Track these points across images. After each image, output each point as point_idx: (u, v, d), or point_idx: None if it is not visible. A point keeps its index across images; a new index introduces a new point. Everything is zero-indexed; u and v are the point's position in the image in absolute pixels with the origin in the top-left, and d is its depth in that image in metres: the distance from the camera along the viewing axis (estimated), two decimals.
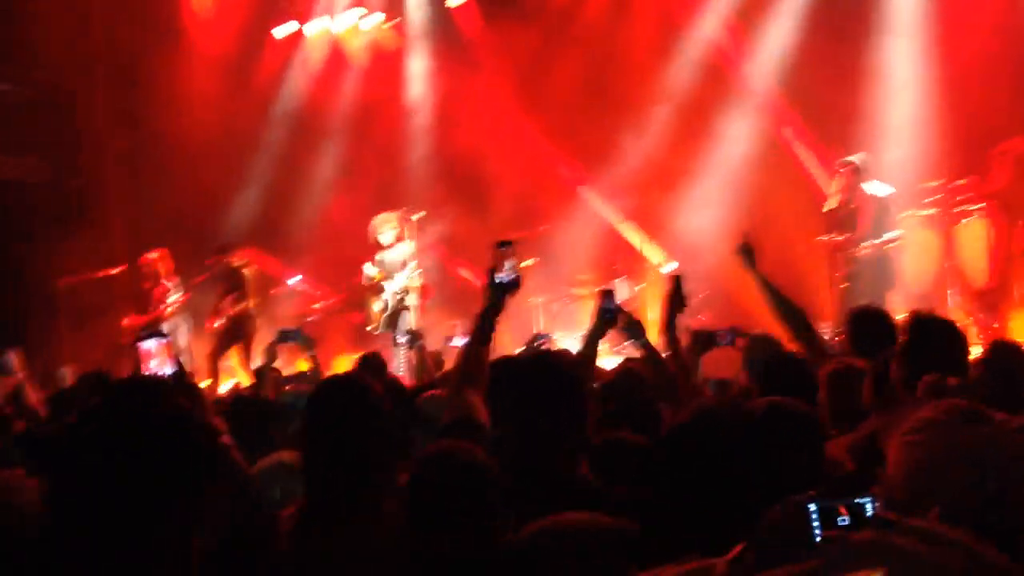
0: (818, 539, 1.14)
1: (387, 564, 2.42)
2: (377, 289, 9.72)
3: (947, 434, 1.55)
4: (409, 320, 9.39)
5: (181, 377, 2.66)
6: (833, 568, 0.73)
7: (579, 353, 3.89)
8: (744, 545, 0.74)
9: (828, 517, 1.18)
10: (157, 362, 2.59)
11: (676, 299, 4.04)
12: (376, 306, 9.79)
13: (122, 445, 1.41)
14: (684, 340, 4.67)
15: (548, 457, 2.79)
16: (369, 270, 9.73)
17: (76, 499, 1.42)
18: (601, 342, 4.01)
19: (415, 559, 2.16)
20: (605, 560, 1.60)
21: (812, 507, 1.19)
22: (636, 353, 4.15)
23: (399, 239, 9.63)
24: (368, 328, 9.89)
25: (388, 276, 9.62)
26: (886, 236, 8.73)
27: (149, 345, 2.58)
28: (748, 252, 4.56)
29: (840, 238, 8.91)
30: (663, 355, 3.96)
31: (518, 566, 2.16)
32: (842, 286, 8.88)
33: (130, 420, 1.45)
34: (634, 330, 3.95)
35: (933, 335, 3.25)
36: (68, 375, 7.00)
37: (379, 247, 9.72)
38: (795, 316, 4.47)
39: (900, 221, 9.06)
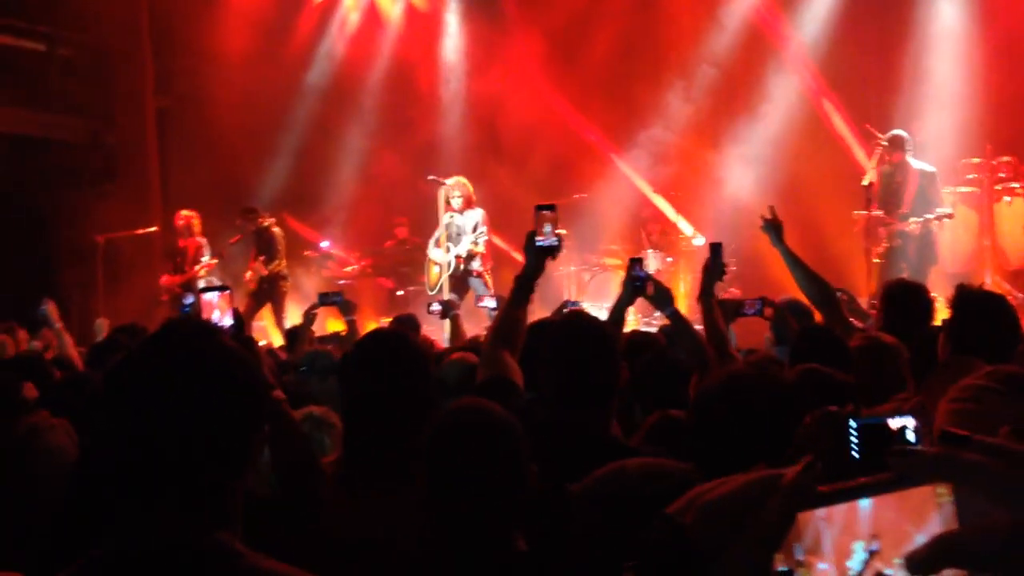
0: (856, 455, 1.14)
1: (414, 521, 2.44)
2: (435, 256, 9.68)
3: (1000, 403, 1.53)
4: (476, 285, 9.36)
5: (240, 329, 2.66)
6: (901, 480, 0.73)
7: (607, 320, 3.90)
8: (812, 457, 0.75)
9: (867, 434, 1.18)
10: (218, 313, 2.60)
11: (715, 268, 4.06)
12: (435, 268, 9.75)
13: (172, 381, 1.40)
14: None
15: (581, 417, 2.82)
16: (435, 240, 9.66)
17: (122, 439, 1.41)
18: (631, 310, 4.04)
19: (438, 520, 2.16)
20: (672, 501, 1.61)
21: (852, 424, 1.18)
22: (666, 322, 4.16)
23: (468, 204, 9.49)
24: (429, 291, 9.83)
25: (454, 239, 9.55)
26: (938, 212, 8.57)
27: (210, 296, 2.59)
28: (775, 228, 4.55)
29: (879, 212, 8.79)
30: (696, 324, 3.97)
31: (588, 510, 2.18)
32: (880, 260, 8.75)
33: (181, 356, 1.43)
34: (662, 298, 3.96)
35: (979, 310, 3.20)
36: (104, 327, 7.09)
37: (448, 209, 9.61)
38: (821, 290, 4.44)
39: (945, 198, 8.91)
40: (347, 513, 2.55)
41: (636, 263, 3.94)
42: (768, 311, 4.61)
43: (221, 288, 2.56)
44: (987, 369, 1.63)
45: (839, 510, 0.75)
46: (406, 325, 5.31)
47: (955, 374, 1.94)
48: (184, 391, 1.39)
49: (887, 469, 0.73)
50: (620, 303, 3.97)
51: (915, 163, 8.71)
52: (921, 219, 8.54)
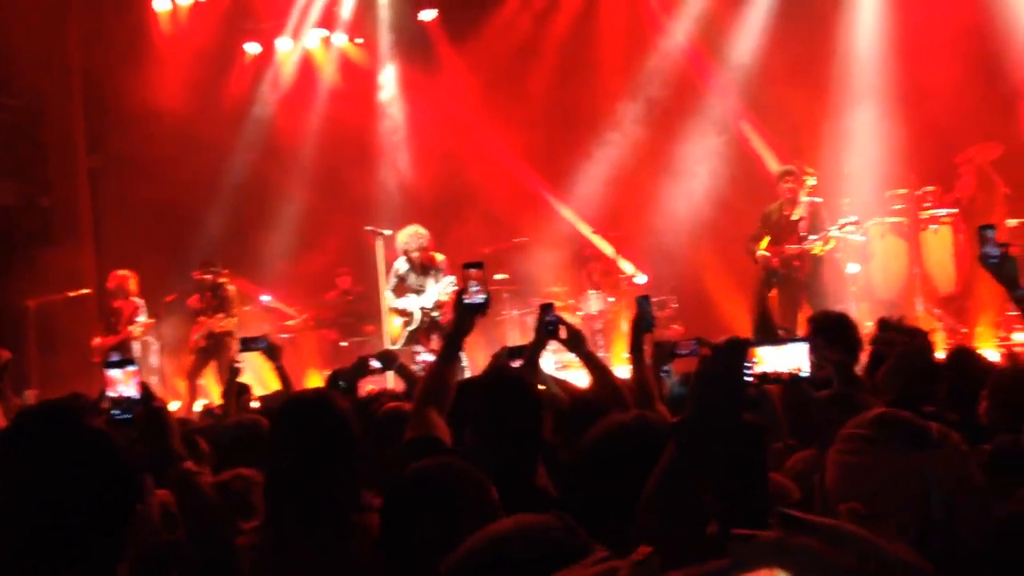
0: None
1: None
2: (401, 304, 9.40)
3: (875, 453, 1.52)
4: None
5: (148, 403, 2.64)
6: (738, 567, 0.74)
7: (521, 365, 3.96)
8: (651, 549, 0.75)
9: None
10: (123, 388, 2.57)
11: (642, 321, 4.12)
12: (398, 320, 9.52)
13: (23, 473, 1.37)
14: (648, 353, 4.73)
15: (507, 470, 2.82)
16: (396, 288, 9.40)
17: None
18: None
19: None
20: (531, 560, 1.61)
21: None
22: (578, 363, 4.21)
23: (428, 253, 9.21)
24: (391, 346, 9.53)
25: (416, 290, 9.34)
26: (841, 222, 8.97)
27: (115, 373, 2.56)
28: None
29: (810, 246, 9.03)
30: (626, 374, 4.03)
31: None
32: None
33: (33, 448, 1.40)
34: (575, 341, 4.02)
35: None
36: (30, 399, 6.91)
37: (408, 259, 9.25)
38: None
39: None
40: (273, 572, 2.53)
41: (547, 308, 4.00)
42: (704, 351, 4.63)
43: (125, 363, 2.53)
44: (875, 412, 1.63)
45: None
46: (341, 381, 5.24)
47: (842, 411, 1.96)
48: (32, 483, 1.37)
49: (725, 555, 0.74)
50: (533, 348, 4.03)
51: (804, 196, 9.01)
52: (817, 236, 8.86)
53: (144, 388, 2.50)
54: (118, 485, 1.43)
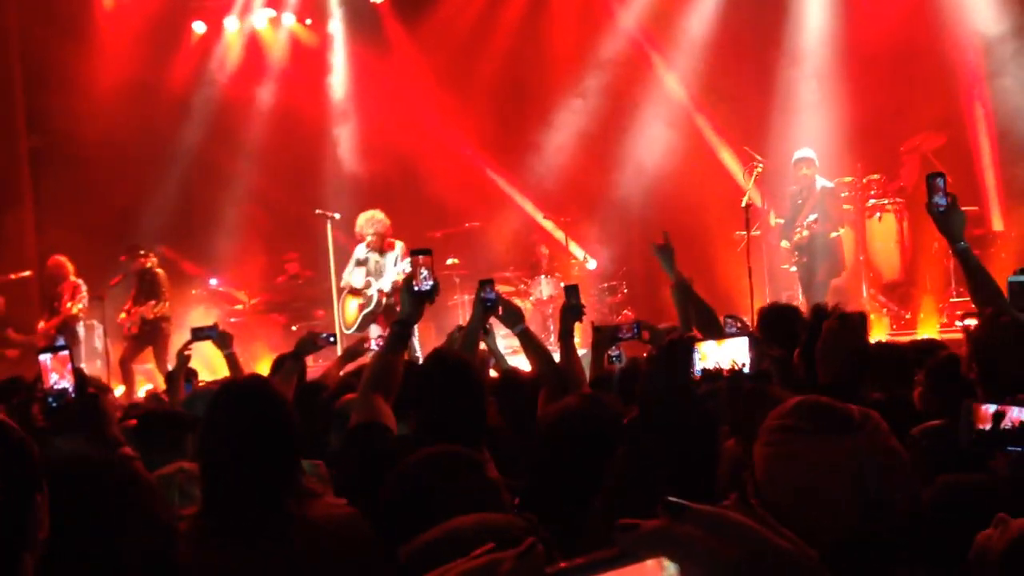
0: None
1: (290, 569, 2.40)
2: (357, 288, 9.33)
3: (814, 445, 1.53)
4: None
5: (81, 388, 2.58)
6: (623, 556, 0.74)
7: (460, 343, 3.97)
8: (534, 540, 0.75)
9: None
10: (57, 374, 2.51)
11: (571, 309, 4.18)
12: (353, 303, 9.46)
13: None
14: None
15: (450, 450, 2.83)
16: (355, 270, 9.35)
17: None
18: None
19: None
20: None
21: None
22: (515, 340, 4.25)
23: (384, 239, 9.17)
24: (346, 330, 9.45)
25: (374, 274, 9.25)
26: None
27: (45, 358, 2.50)
28: (666, 253, 4.64)
29: (757, 232, 9.15)
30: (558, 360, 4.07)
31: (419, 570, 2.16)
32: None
33: None
34: (512, 318, 4.07)
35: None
36: None
37: (370, 246, 9.21)
38: (707, 319, 4.54)
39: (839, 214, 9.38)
40: (203, 565, 2.50)
41: (485, 284, 4.00)
42: (645, 334, 4.68)
43: (57, 348, 2.47)
44: (794, 401, 1.64)
45: None
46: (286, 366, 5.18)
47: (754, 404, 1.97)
48: None
49: (612, 544, 0.74)
50: (472, 325, 4.05)
51: (819, 180, 9.14)
52: (804, 225, 9.01)
53: (78, 375, 2.44)
54: (17, 475, 1.41)
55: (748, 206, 9.05)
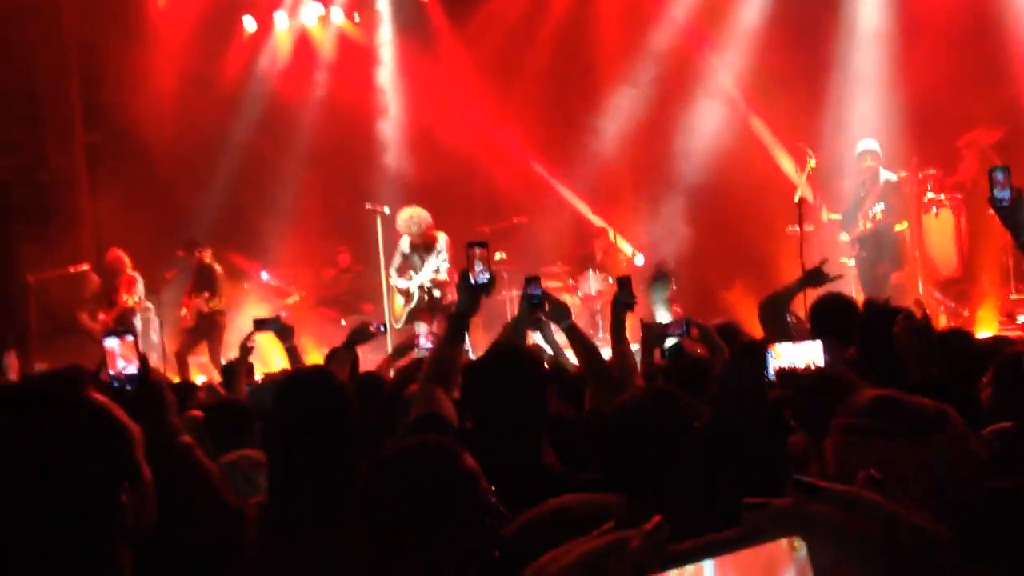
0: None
1: (352, 561, 2.42)
2: (400, 284, 9.42)
3: (889, 448, 1.49)
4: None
5: (145, 375, 2.61)
6: (753, 535, 0.74)
7: (503, 338, 3.96)
8: (659, 518, 0.75)
9: None
10: (122, 359, 2.55)
11: (622, 300, 4.13)
12: (400, 298, 9.52)
13: (16, 443, 1.38)
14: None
15: (514, 447, 2.83)
16: (398, 269, 9.38)
17: None
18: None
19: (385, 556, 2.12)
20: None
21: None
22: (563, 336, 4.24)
23: (428, 234, 9.19)
24: (395, 324, 9.54)
25: (417, 269, 9.30)
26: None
27: (112, 344, 2.54)
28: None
29: (810, 228, 9.02)
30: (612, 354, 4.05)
31: (518, 557, 2.16)
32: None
33: (35, 415, 1.41)
34: (558, 314, 4.02)
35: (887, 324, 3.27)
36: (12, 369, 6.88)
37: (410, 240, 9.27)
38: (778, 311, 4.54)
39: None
40: (274, 554, 2.53)
41: (531, 281, 3.94)
42: (694, 331, 4.65)
43: (123, 333, 2.50)
44: (867, 398, 1.60)
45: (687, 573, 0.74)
46: (341, 359, 5.24)
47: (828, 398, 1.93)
48: (31, 450, 1.37)
49: (739, 523, 0.73)
50: (518, 322, 4.02)
51: (882, 173, 9.01)
52: (868, 218, 8.87)
53: (143, 360, 2.47)
54: (116, 456, 1.42)
55: (801, 201, 8.93)
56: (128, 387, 2.50)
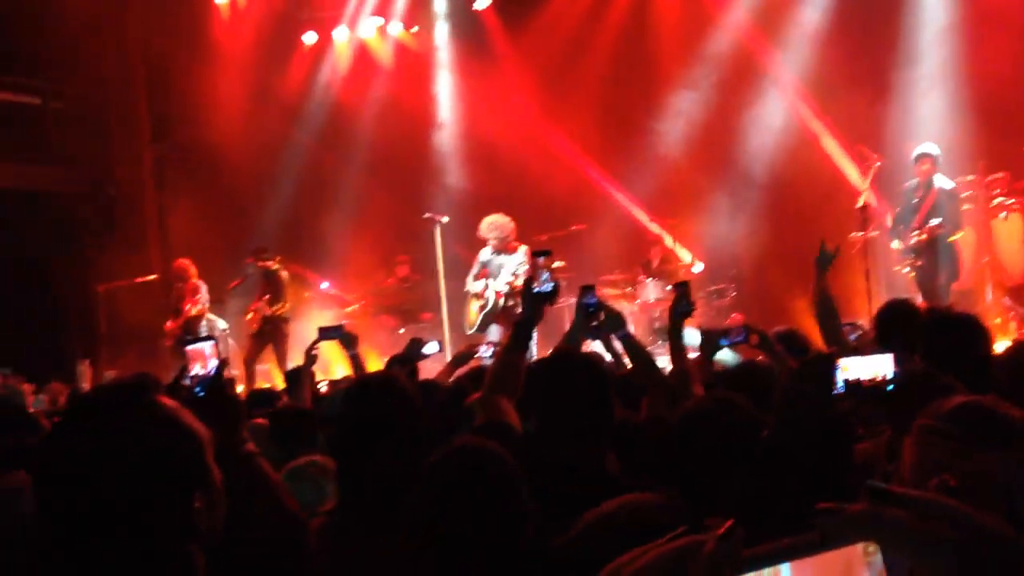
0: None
1: (410, 567, 2.43)
2: (476, 287, 9.50)
3: (969, 456, 1.46)
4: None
5: (218, 379, 2.64)
6: (827, 541, 0.73)
7: (561, 346, 3.96)
8: (733, 521, 0.74)
9: None
10: (200, 365, 2.59)
11: (681, 308, 4.11)
12: (475, 305, 9.57)
13: (89, 450, 1.40)
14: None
15: (576, 454, 2.82)
16: (476, 275, 9.45)
17: (53, 507, 1.42)
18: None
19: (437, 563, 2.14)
20: (638, 537, 1.59)
21: None
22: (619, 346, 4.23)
23: (507, 242, 9.24)
24: (468, 331, 9.64)
25: (493, 276, 9.36)
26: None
27: (198, 347, 2.58)
28: (827, 261, 4.64)
29: (875, 233, 8.84)
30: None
31: (578, 559, 2.17)
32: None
33: (106, 420, 1.43)
34: (613, 323, 4.01)
35: (951, 331, 3.21)
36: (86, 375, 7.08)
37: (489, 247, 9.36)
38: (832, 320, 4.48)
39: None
40: (342, 560, 2.55)
41: (587, 290, 3.94)
42: (753, 338, 4.60)
43: (205, 338, 2.56)
44: (953, 403, 1.56)
45: None
46: (402, 366, 5.29)
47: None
48: (100, 460, 1.39)
49: (814, 528, 0.73)
50: (573, 331, 4.02)
51: (937, 179, 8.81)
52: (923, 229, 8.65)
53: (220, 365, 2.51)
54: (188, 461, 1.44)
55: (864, 206, 8.79)
56: (199, 391, 2.53)
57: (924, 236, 8.79)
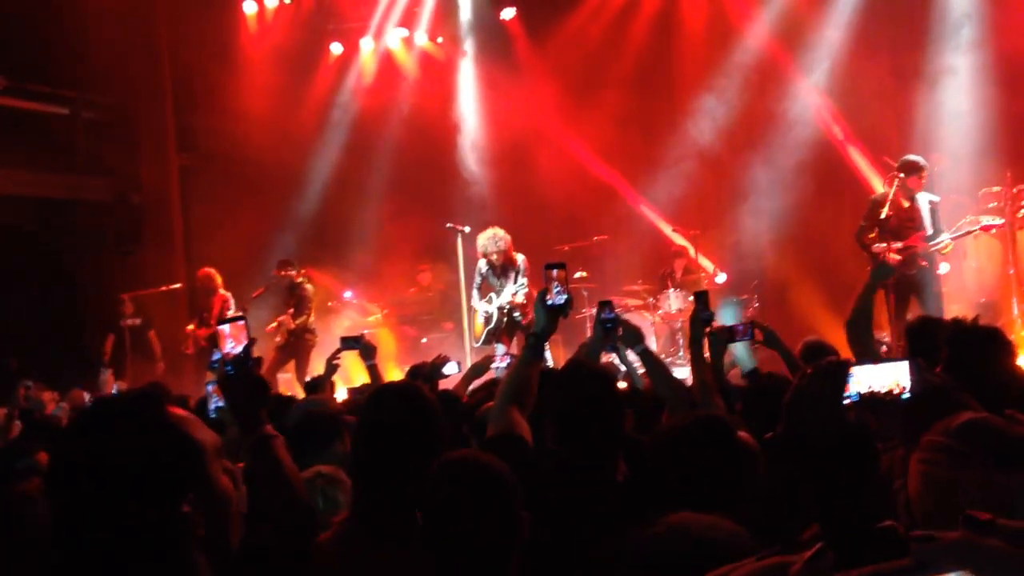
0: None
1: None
2: (481, 307, 9.47)
3: (957, 465, 1.44)
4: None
5: (247, 356, 2.59)
6: (921, 568, 0.72)
7: (574, 357, 3.98)
8: (822, 545, 0.74)
9: None
10: (232, 341, 2.57)
11: (701, 318, 4.12)
12: (480, 320, 9.57)
13: (89, 456, 1.44)
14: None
15: (587, 464, 2.83)
16: (478, 292, 9.42)
17: (56, 513, 1.47)
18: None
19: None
20: (697, 557, 1.55)
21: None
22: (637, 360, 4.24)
23: (507, 255, 9.20)
24: (475, 344, 9.65)
25: (497, 290, 9.34)
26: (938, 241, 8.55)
27: (224, 327, 2.57)
28: (886, 275, 4.63)
29: (898, 244, 8.67)
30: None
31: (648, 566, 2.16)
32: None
33: (108, 429, 1.48)
34: (632, 338, 4.05)
35: (973, 344, 3.18)
36: (108, 382, 7.16)
37: (488, 262, 9.29)
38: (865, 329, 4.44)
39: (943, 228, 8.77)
40: (357, 570, 2.54)
41: (605, 306, 3.98)
42: (759, 334, 4.66)
43: (236, 319, 2.57)
44: (962, 420, 1.54)
45: None
46: (421, 376, 5.31)
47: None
48: (97, 465, 1.44)
49: (907, 555, 0.71)
50: (592, 346, 4.03)
51: (921, 194, 8.66)
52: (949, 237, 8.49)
53: (248, 343, 2.49)
54: (180, 470, 1.47)
55: (888, 217, 8.69)
56: (230, 369, 2.51)
57: (950, 246, 8.59)
